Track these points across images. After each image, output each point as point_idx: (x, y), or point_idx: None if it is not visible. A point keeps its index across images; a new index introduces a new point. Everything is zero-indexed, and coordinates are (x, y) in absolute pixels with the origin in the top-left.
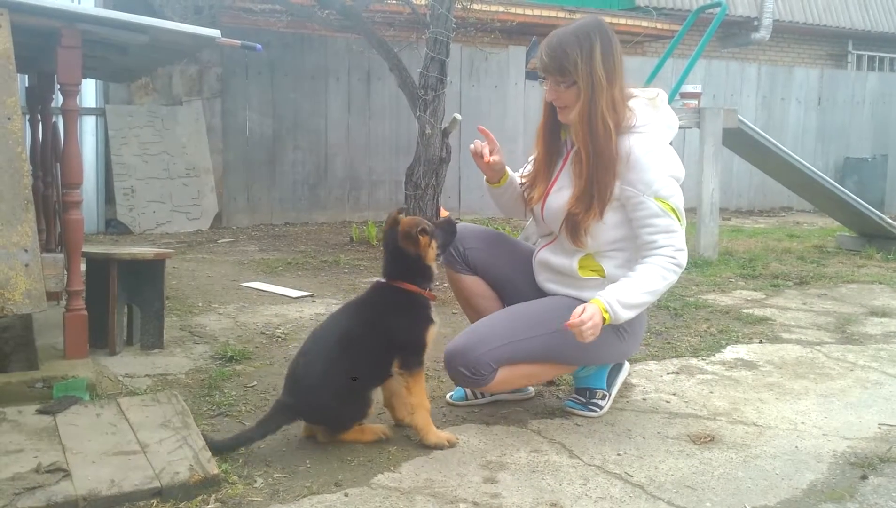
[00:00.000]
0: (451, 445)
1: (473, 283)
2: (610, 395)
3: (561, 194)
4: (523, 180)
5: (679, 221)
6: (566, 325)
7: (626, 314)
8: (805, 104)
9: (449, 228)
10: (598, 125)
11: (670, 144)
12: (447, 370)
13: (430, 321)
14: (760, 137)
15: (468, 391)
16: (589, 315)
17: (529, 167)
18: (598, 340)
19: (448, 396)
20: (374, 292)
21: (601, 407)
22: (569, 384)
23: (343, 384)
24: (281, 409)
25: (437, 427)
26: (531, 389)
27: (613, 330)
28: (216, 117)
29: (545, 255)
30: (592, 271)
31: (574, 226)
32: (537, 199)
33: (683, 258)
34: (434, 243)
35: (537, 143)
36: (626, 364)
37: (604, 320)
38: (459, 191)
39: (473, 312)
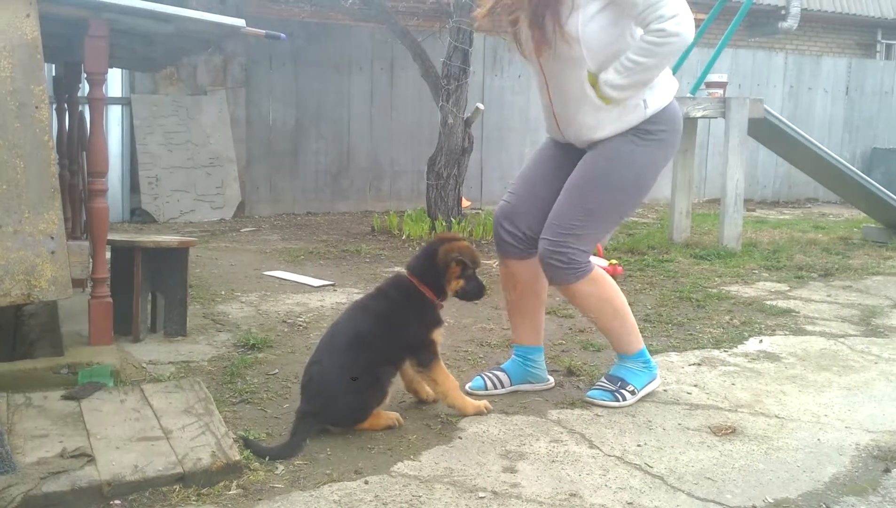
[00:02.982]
0: (488, 411)
1: (524, 269)
2: (637, 395)
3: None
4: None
5: None
6: None
7: (613, 77)
8: (832, 94)
9: (478, 290)
10: None
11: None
12: (544, 270)
13: (438, 322)
14: (787, 128)
15: (487, 380)
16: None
17: None
18: (624, 155)
19: (467, 386)
20: (392, 285)
21: (626, 398)
22: (589, 373)
23: (359, 384)
24: (303, 418)
25: (457, 419)
26: (551, 379)
27: (631, 140)
28: (240, 107)
29: (561, 112)
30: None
31: (543, 34)
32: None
33: (671, 24)
34: (461, 282)
35: None
36: (658, 377)
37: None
38: (481, 181)
39: (524, 304)
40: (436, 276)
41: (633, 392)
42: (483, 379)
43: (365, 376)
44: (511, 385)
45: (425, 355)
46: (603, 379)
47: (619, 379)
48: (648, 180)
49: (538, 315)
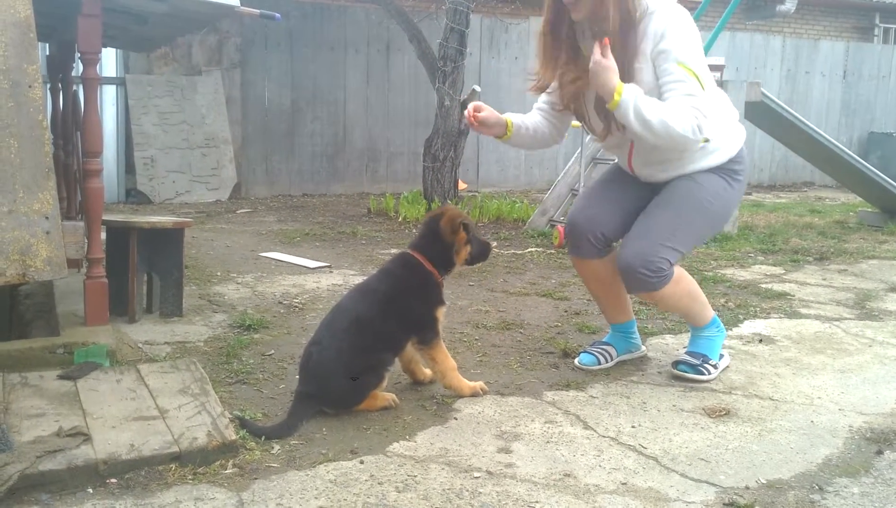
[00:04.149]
0: (484, 392)
1: (609, 265)
2: (718, 369)
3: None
4: (553, 101)
5: (700, 82)
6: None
7: (629, 111)
8: (830, 78)
9: (485, 249)
10: (605, 19)
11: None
12: (626, 279)
13: (441, 301)
14: (783, 111)
15: (598, 356)
16: (608, 63)
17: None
18: (727, 205)
19: (576, 361)
20: (396, 263)
21: (710, 373)
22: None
23: (358, 368)
24: (300, 399)
25: (453, 400)
26: (643, 347)
27: (731, 185)
28: (235, 88)
29: (640, 159)
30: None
31: (607, 116)
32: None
33: (704, 121)
34: (468, 248)
35: (540, 53)
36: (728, 356)
37: (613, 97)
38: (478, 164)
39: (609, 294)
40: (443, 249)
41: (715, 366)
42: (594, 355)
43: (364, 360)
44: (617, 357)
45: (428, 333)
46: (685, 355)
47: (700, 355)
48: (729, 215)
49: (621, 296)
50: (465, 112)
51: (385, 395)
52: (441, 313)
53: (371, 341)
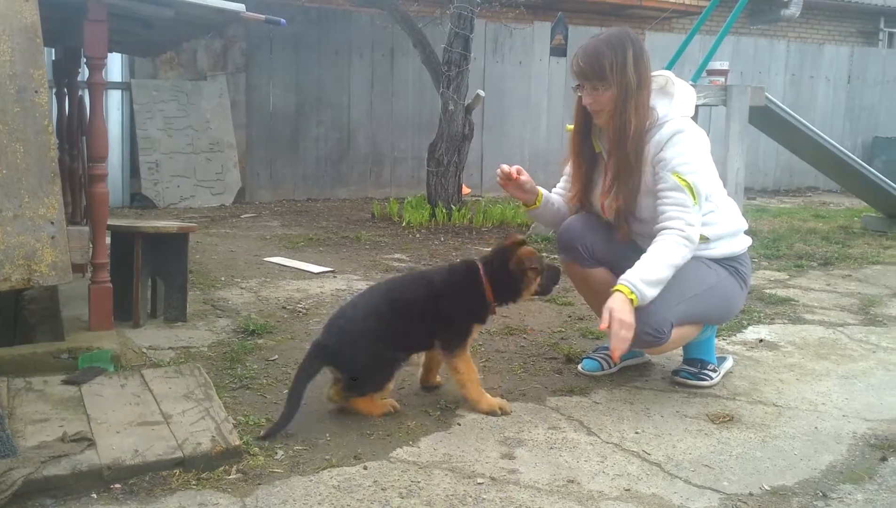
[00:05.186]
0: (504, 412)
1: (602, 274)
2: (719, 373)
3: (610, 197)
4: (569, 195)
5: (693, 198)
6: (601, 328)
7: (651, 292)
8: (834, 83)
9: (554, 277)
10: (624, 123)
11: (692, 118)
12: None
13: (482, 320)
14: (788, 116)
15: (601, 361)
16: (617, 315)
17: (564, 181)
18: (731, 292)
19: (580, 367)
20: (460, 265)
21: (712, 378)
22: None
23: (379, 343)
24: (316, 350)
25: (456, 405)
26: (647, 355)
27: (736, 280)
28: (240, 92)
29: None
30: (700, 239)
31: (619, 219)
32: (574, 200)
33: (694, 234)
34: (537, 282)
35: (570, 149)
36: (730, 359)
37: (631, 301)
38: (482, 168)
39: (599, 300)
40: (511, 286)
41: (714, 370)
42: (597, 361)
43: (389, 331)
44: (620, 362)
45: (455, 341)
46: (683, 364)
47: (697, 361)
48: (728, 308)
49: None
50: (508, 169)
51: (385, 402)
52: (476, 330)
53: (403, 321)
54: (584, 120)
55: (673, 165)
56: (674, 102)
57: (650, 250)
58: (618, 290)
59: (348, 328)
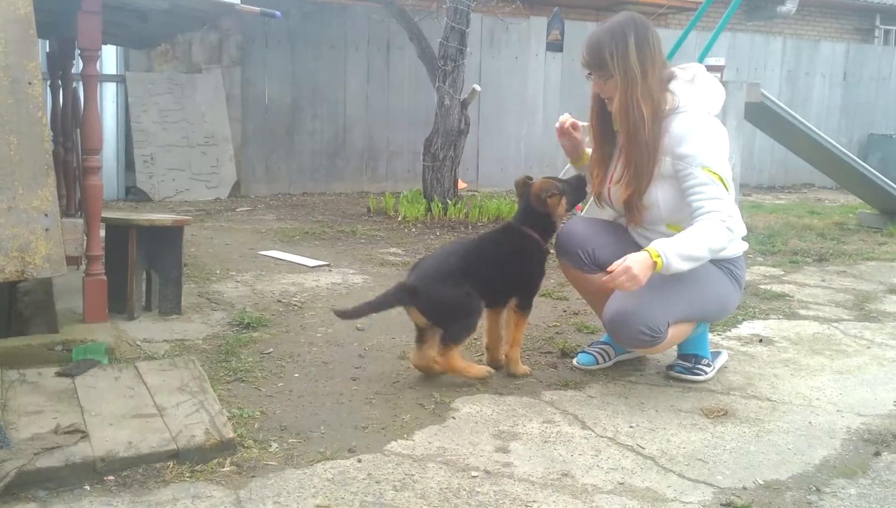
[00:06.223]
0: (528, 374)
1: (589, 279)
2: (714, 368)
3: (619, 185)
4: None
5: (727, 189)
6: (603, 280)
7: (679, 265)
8: (830, 79)
9: (579, 184)
10: (634, 113)
11: (716, 116)
12: (619, 333)
13: (545, 272)
14: (783, 112)
15: (597, 355)
16: (631, 268)
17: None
18: (726, 292)
19: (575, 361)
20: (506, 232)
21: (706, 373)
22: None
23: (456, 295)
24: (400, 290)
25: (451, 399)
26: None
27: (731, 281)
28: (235, 86)
29: (638, 235)
30: None
31: (629, 206)
32: (597, 186)
33: (735, 225)
34: (564, 201)
35: (590, 133)
36: (725, 353)
37: (655, 265)
38: (477, 163)
39: (600, 302)
40: (545, 220)
41: (708, 365)
42: (592, 355)
43: (467, 280)
44: (615, 357)
45: (528, 300)
46: (678, 359)
47: (691, 356)
48: (720, 308)
49: None
50: (567, 119)
51: (481, 367)
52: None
53: (480, 274)
54: (600, 105)
55: (700, 161)
56: (698, 94)
57: (689, 229)
58: (647, 251)
59: (431, 271)
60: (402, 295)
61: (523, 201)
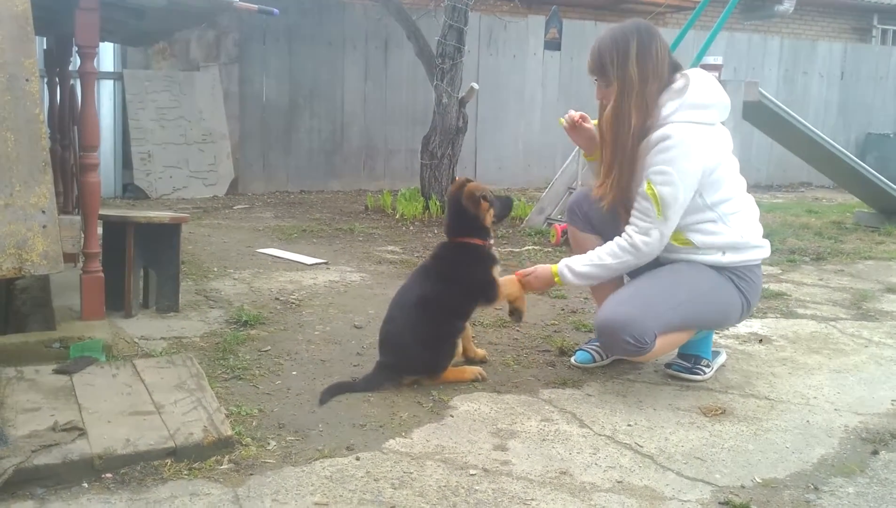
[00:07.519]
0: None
1: (592, 241)
2: (712, 368)
3: (601, 191)
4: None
5: (658, 209)
6: (516, 274)
7: (571, 279)
8: (828, 79)
9: (506, 202)
10: (623, 121)
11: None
12: (606, 340)
13: (493, 261)
14: (781, 111)
15: (594, 353)
16: (531, 274)
17: None
18: (727, 300)
19: (572, 359)
20: (442, 250)
21: (705, 373)
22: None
23: (430, 337)
24: (383, 368)
25: (449, 397)
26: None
27: (736, 289)
28: (233, 83)
29: None
30: (683, 242)
31: (617, 211)
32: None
33: (643, 243)
34: (492, 211)
35: (599, 137)
36: (724, 353)
37: (554, 279)
38: (475, 161)
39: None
40: (476, 223)
41: (708, 366)
42: (590, 353)
43: (436, 329)
44: (612, 356)
45: (491, 292)
46: (677, 358)
47: (691, 356)
48: (724, 318)
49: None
50: (574, 113)
51: (472, 368)
52: (497, 271)
53: (440, 312)
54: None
55: (649, 172)
56: (682, 106)
57: (601, 246)
58: (550, 267)
59: (399, 340)
60: (389, 374)
61: (453, 207)
